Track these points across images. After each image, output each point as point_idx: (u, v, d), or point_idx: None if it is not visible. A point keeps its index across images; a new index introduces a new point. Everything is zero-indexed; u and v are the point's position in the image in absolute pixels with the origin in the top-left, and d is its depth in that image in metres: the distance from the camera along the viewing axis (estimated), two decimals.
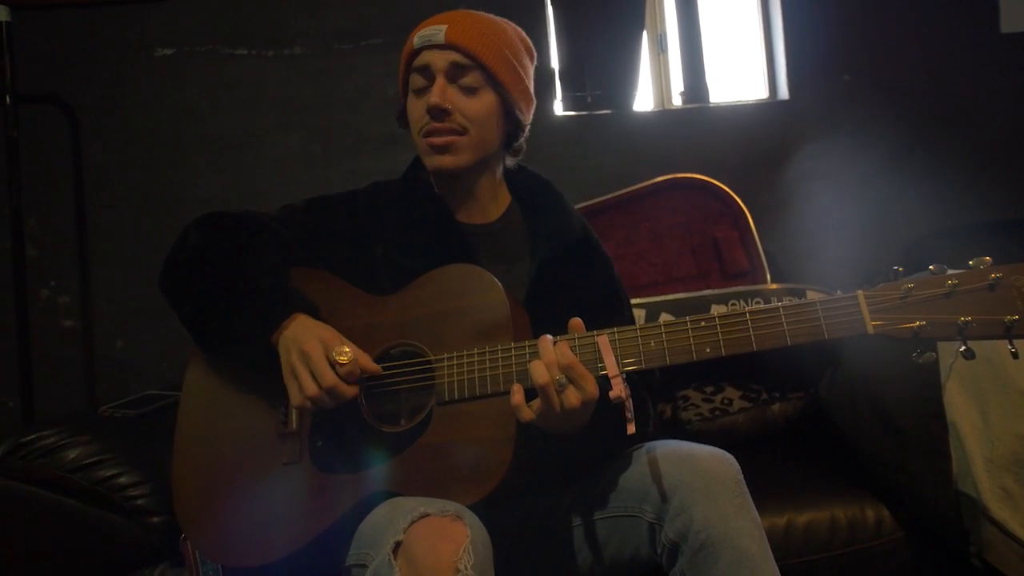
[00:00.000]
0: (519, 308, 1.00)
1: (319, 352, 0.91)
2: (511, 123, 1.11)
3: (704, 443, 0.97)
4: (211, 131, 1.99)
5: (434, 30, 1.06)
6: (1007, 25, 2.13)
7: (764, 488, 0.94)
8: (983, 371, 1.23)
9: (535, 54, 1.16)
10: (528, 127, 1.14)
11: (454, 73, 1.05)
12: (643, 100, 2.23)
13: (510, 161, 1.16)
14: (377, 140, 2.02)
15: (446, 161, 1.06)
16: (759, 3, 2.22)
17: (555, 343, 0.89)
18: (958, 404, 1.24)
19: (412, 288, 1.02)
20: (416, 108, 1.07)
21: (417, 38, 1.07)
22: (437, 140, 1.05)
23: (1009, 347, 0.81)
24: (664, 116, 2.18)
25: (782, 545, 1.21)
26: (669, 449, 0.95)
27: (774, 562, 0.88)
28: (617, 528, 0.96)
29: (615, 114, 2.12)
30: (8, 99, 1.75)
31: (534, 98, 1.14)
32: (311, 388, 0.91)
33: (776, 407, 1.58)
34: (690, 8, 2.21)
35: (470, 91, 1.06)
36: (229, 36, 2.00)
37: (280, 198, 1.97)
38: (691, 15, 2.21)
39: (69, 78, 1.95)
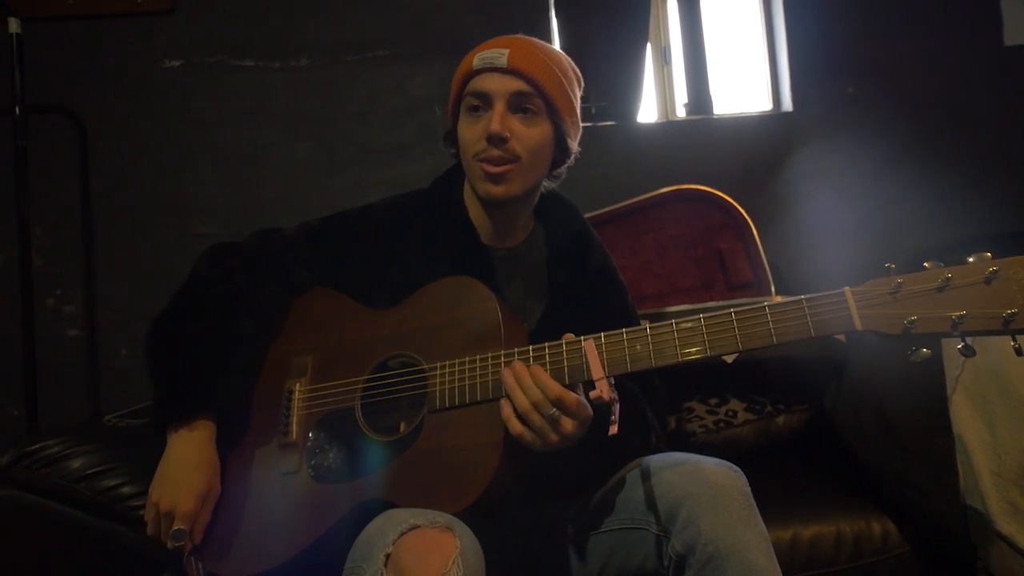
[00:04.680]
0: (514, 317, 1.01)
1: (162, 522, 0.94)
2: (559, 151, 1.10)
3: (709, 455, 0.96)
4: (217, 141, 2.01)
5: (496, 53, 1.03)
6: (1011, 38, 2.14)
7: (769, 501, 0.93)
8: (990, 384, 1.22)
9: (583, 83, 1.14)
10: (574, 154, 1.12)
11: (515, 100, 1.03)
12: (647, 112, 2.24)
13: (548, 185, 1.15)
14: (382, 151, 2.03)
15: (499, 191, 1.05)
16: (763, 15, 2.23)
17: (529, 364, 0.89)
18: (965, 417, 1.23)
19: (411, 301, 1.03)
20: (472, 132, 1.05)
21: (477, 59, 1.04)
22: (492, 168, 1.03)
23: (1012, 343, 0.77)
24: (668, 128, 2.19)
25: (787, 559, 1.20)
26: (676, 461, 0.94)
27: (782, 575, 0.87)
28: (623, 540, 0.96)
29: (619, 125, 2.13)
30: (17, 109, 1.77)
31: (581, 125, 1.13)
32: (152, 531, 0.95)
33: (781, 419, 1.57)
34: (694, 20, 2.22)
35: (529, 119, 1.04)
36: (236, 48, 2.02)
37: (285, 208, 2.00)
38: (695, 27, 2.22)
39: (77, 89, 1.97)
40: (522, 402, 0.87)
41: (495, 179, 1.04)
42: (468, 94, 1.06)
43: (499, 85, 1.03)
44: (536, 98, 1.04)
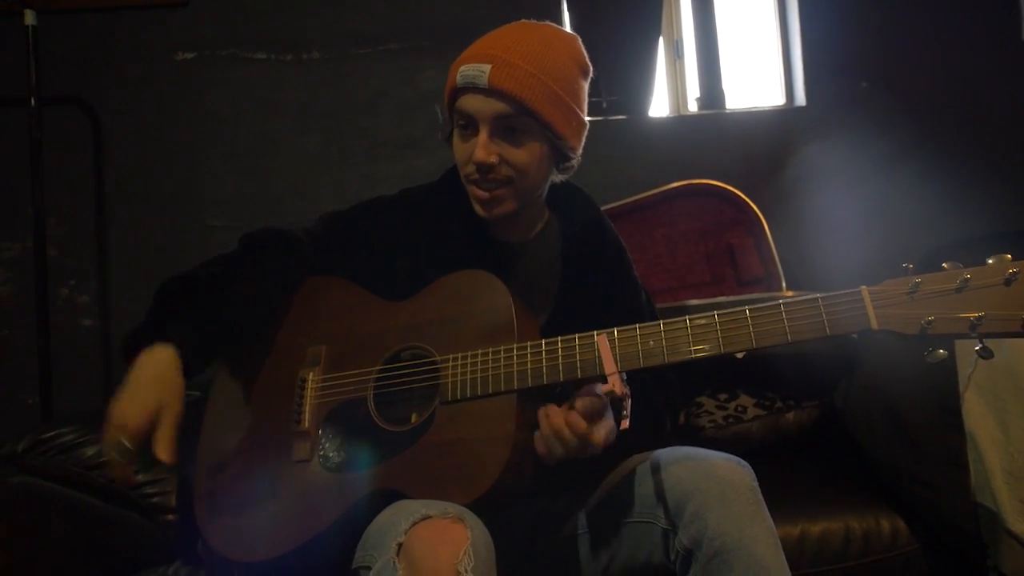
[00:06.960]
0: (527, 312, 1.01)
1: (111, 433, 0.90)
2: (560, 156, 1.06)
3: (717, 450, 0.96)
4: (230, 133, 2.02)
5: (477, 70, 0.97)
6: None
7: (777, 497, 0.93)
8: (1003, 381, 1.21)
9: (590, 69, 1.07)
10: (580, 151, 1.07)
11: (499, 123, 0.98)
12: (659, 106, 2.23)
13: (559, 178, 1.11)
14: (393, 144, 2.04)
15: (492, 213, 1.04)
16: (776, 9, 2.22)
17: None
18: (977, 414, 1.22)
19: (424, 293, 1.04)
20: (462, 151, 1.03)
21: (460, 76, 0.99)
22: (483, 194, 1.02)
23: None
24: (680, 122, 2.17)
25: (795, 555, 1.20)
26: (684, 455, 0.94)
27: (789, 571, 0.87)
28: (630, 534, 0.96)
29: (631, 120, 2.12)
30: (32, 101, 1.78)
31: (586, 122, 1.06)
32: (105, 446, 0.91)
33: (790, 415, 1.56)
34: (707, 14, 2.21)
35: (517, 140, 1.00)
36: (248, 40, 2.02)
37: (296, 200, 2.01)
38: (708, 21, 2.21)
39: (91, 81, 1.98)
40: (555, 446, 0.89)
41: (486, 204, 1.03)
42: (456, 111, 1.03)
43: (482, 107, 0.98)
44: (523, 118, 0.98)
